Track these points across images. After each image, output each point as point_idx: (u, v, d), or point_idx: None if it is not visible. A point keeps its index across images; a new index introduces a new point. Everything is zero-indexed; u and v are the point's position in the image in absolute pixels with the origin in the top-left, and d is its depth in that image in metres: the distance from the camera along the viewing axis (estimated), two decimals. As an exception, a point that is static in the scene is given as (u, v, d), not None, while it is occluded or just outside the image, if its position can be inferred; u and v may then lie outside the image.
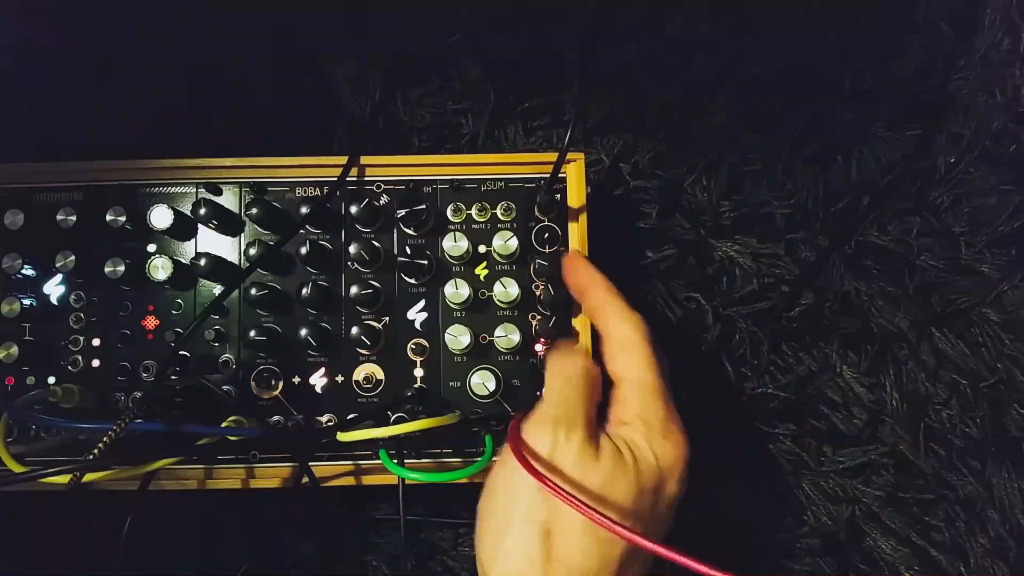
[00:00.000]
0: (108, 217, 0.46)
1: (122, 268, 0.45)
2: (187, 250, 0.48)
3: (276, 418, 0.46)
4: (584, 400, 0.40)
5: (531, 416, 0.40)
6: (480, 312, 0.48)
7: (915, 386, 0.52)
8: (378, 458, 0.43)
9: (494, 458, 0.43)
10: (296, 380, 0.47)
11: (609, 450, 0.38)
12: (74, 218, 0.46)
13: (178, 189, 0.48)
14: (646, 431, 0.39)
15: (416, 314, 0.48)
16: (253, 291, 0.45)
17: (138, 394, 0.46)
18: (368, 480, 0.46)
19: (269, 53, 0.57)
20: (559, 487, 0.33)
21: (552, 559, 0.35)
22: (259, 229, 0.48)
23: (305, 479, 0.45)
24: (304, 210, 0.47)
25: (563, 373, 0.41)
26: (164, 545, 0.49)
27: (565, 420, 0.38)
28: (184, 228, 0.47)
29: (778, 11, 0.57)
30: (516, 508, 0.37)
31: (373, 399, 0.47)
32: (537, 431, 0.38)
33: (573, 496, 0.33)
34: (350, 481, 0.46)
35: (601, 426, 0.40)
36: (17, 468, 0.41)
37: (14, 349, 0.45)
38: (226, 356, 0.47)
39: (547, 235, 0.48)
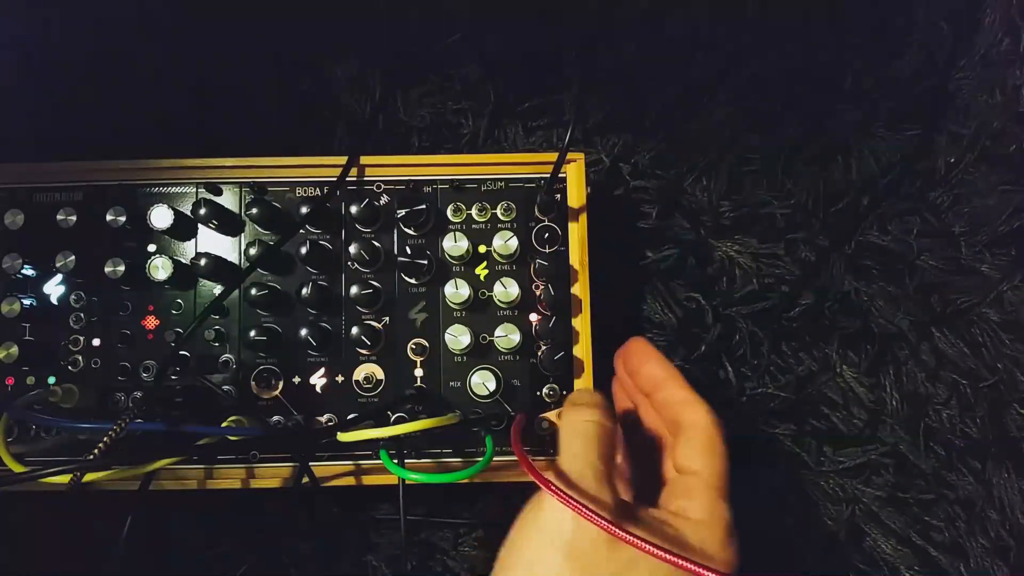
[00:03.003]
0: (108, 217, 0.46)
1: (122, 268, 0.45)
2: (187, 250, 0.48)
3: (276, 418, 0.46)
4: (598, 457, 0.37)
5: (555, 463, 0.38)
6: (480, 312, 0.48)
7: (915, 386, 0.52)
8: (378, 458, 0.43)
9: (494, 459, 0.43)
10: (296, 380, 0.47)
11: (651, 524, 0.35)
12: (74, 218, 0.46)
13: (178, 189, 0.48)
14: (707, 534, 0.36)
15: (416, 314, 0.48)
16: (253, 291, 0.45)
17: (138, 394, 0.46)
18: (368, 480, 0.46)
19: (269, 53, 0.56)
20: (569, 496, 0.32)
21: None
22: (259, 229, 0.48)
23: (305, 479, 0.45)
24: (304, 210, 0.47)
25: (575, 430, 0.39)
26: (164, 545, 0.50)
27: (592, 475, 0.36)
28: (184, 228, 0.47)
29: (778, 11, 0.57)
30: (537, 567, 0.34)
31: (373, 399, 0.47)
32: (564, 475, 0.36)
33: (599, 515, 0.31)
34: (350, 481, 0.46)
35: (651, 509, 0.38)
36: (17, 468, 0.41)
37: (14, 349, 0.45)
38: (226, 356, 0.47)
39: (547, 235, 0.48)
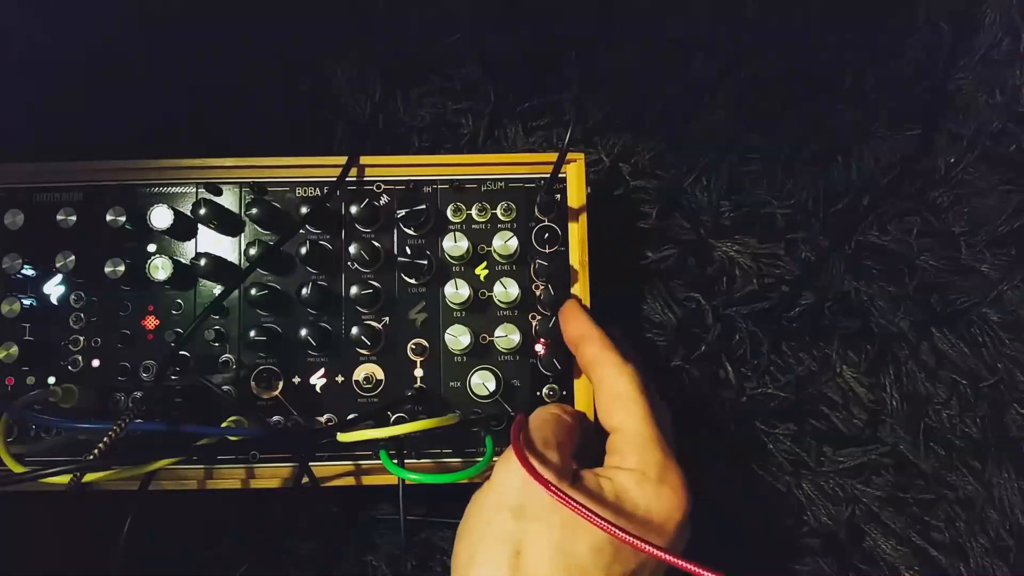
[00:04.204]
0: (108, 217, 0.46)
1: (122, 268, 0.45)
2: (187, 250, 0.48)
3: (276, 418, 0.46)
4: (557, 428, 0.41)
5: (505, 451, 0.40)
6: (480, 312, 0.48)
7: (915, 386, 0.52)
8: (378, 458, 0.43)
9: (494, 459, 0.43)
10: (296, 380, 0.47)
11: (590, 482, 0.38)
12: (74, 218, 0.46)
13: (178, 189, 0.48)
14: (640, 478, 0.38)
15: (416, 314, 0.48)
16: (253, 291, 0.45)
17: (138, 394, 0.46)
18: (368, 480, 0.46)
19: (269, 53, 0.56)
20: (553, 486, 0.33)
21: None
22: (259, 229, 0.48)
23: (305, 479, 0.45)
24: (304, 210, 0.47)
25: (537, 416, 0.43)
26: (164, 545, 0.50)
27: (538, 441, 0.39)
28: (184, 228, 0.47)
29: (778, 11, 0.57)
30: (490, 527, 0.37)
31: (373, 399, 0.47)
32: (510, 457, 0.39)
33: (568, 496, 0.33)
34: (350, 481, 0.46)
35: (591, 470, 0.40)
36: (17, 468, 0.41)
37: (14, 349, 0.45)
38: (226, 356, 0.47)
39: (547, 235, 0.48)
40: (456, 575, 0.38)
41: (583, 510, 0.32)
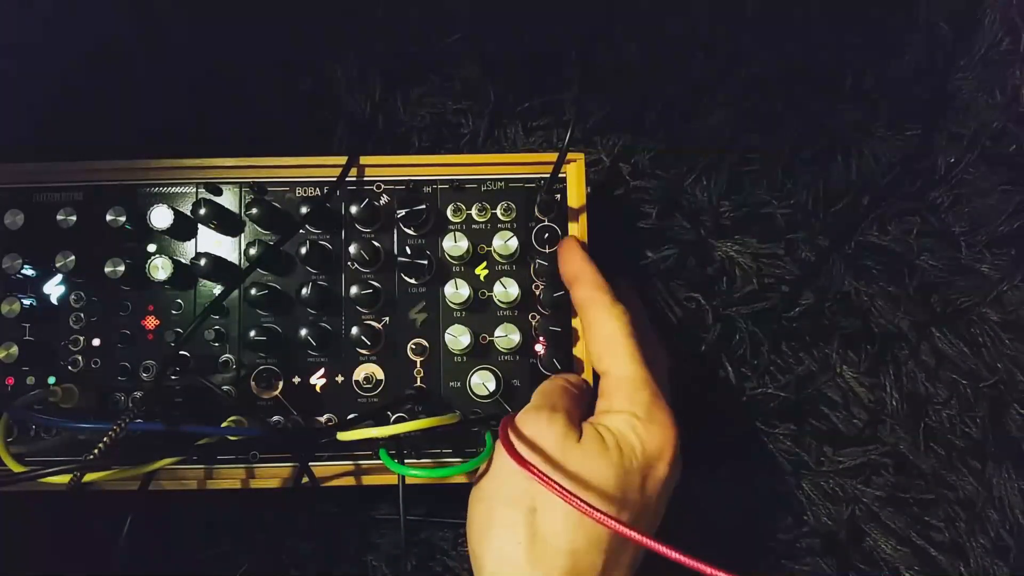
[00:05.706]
0: (108, 217, 0.46)
1: (122, 268, 0.45)
2: (187, 250, 0.48)
3: (276, 418, 0.46)
4: (563, 395, 0.42)
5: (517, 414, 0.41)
6: (480, 312, 0.48)
7: (915, 386, 0.52)
8: (378, 458, 0.43)
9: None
10: (296, 380, 0.47)
11: (591, 435, 0.39)
12: (74, 218, 0.46)
13: (178, 189, 0.48)
14: (630, 419, 0.39)
15: (416, 314, 0.48)
16: (253, 291, 0.45)
17: (138, 394, 0.46)
18: (368, 480, 0.46)
19: (269, 53, 0.56)
20: (543, 474, 0.34)
21: (538, 538, 0.36)
22: (259, 229, 0.48)
23: (305, 479, 0.45)
24: (304, 210, 0.47)
25: (544, 386, 0.44)
26: (164, 545, 0.50)
27: (547, 407, 0.40)
28: (184, 228, 0.47)
29: (778, 11, 0.57)
30: (503, 490, 0.38)
31: (373, 399, 0.47)
32: (521, 420, 0.40)
33: (556, 483, 0.33)
34: (350, 481, 0.46)
35: (586, 419, 0.41)
36: (17, 468, 0.41)
37: (14, 349, 0.45)
38: (226, 356, 0.47)
39: (547, 235, 0.48)
40: (473, 536, 0.39)
41: (572, 497, 0.33)
